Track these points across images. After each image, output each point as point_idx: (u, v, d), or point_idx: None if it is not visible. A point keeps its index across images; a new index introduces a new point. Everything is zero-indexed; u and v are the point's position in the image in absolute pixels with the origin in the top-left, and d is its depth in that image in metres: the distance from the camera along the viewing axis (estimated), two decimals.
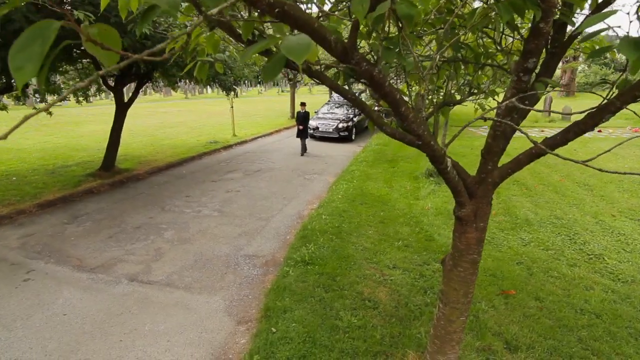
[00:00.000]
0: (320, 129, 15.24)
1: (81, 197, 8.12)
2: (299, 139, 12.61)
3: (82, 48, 9.01)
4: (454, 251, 2.34)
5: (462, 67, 2.94)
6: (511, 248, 5.34)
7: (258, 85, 54.06)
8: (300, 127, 12.27)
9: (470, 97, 3.45)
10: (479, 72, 3.28)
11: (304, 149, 12.56)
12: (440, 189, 8.13)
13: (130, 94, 10.30)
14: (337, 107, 16.70)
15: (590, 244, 5.48)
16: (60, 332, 3.85)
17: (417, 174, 9.24)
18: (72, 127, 18.27)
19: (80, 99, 10.75)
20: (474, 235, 2.22)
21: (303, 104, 12.45)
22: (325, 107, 17.24)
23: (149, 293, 4.53)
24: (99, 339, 3.75)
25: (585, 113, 1.65)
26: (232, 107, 15.87)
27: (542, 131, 16.73)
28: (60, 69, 9.61)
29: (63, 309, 4.23)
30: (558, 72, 38.31)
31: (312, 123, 15.23)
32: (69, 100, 10.84)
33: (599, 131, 17.00)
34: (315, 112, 16.85)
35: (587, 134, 15.96)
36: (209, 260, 5.35)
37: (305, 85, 49.07)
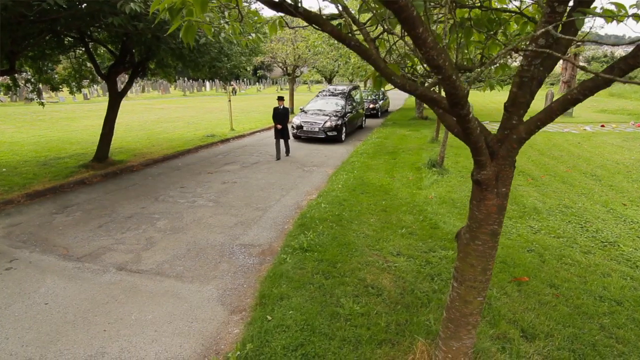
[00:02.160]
0: (304, 128, 13.09)
1: (72, 188, 7.84)
2: (284, 139, 10.68)
3: (75, 35, 8.74)
4: (471, 222, 2.07)
5: (474, 30, 2.68)
6: (520, 236, 5.08)
7: (257, 83, 53.79)
8: (279, 126, 10.33)
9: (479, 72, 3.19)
10: (492, 41, 3.02)
11: (286, 151, 10.75)
12: (444, 179, 7.87)
13: (125, 86, 10.04)
14: (326, 103, 14.36)
15: (603, 232, 5.22)
16: (40, 322, 3.58)
17: (419, 165, 8.97)
18: (67, 122, 17.97)
19: (74, 89, 10.47)
20: (495, 202, 1.95)
21: (281, 99, 10.53)
22: (311, 103, 14.89)
23: (138, 282, 4.26)
24: (81, 329, 3.49)
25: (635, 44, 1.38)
26: (229, 100, 15.60)
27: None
28: (53, 57, 9.31)
29: (45, 298, 3.97)
30: (558, 69, 38.10)
31: (296, 121, 13.31)
32: (61, 90, 10.52)
33: (602, 126, 16.78)
34: (301, 109, 14.75)
35: (589, 129, 15.75)
36: (203, 249, 5.08)
37: (304, 83, 48.82)
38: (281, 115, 10.35)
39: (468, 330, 2.21)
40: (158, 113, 22.34)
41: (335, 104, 14.15)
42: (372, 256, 4.34)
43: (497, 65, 3.58)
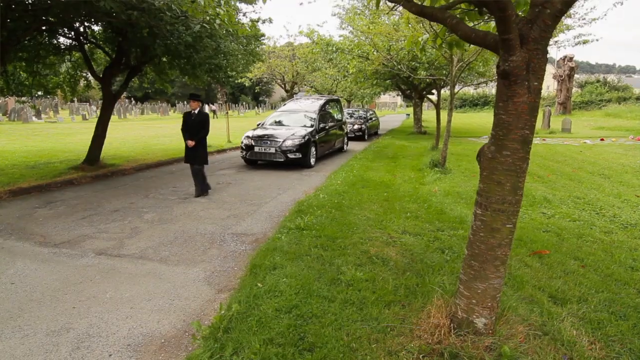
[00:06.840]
0: (256, 149, 9.59)
1: (59, 187, 7.49)
2: (196, 164, 6.59)
3: (71, 35, 8.64)
4: (496, 130, 1.76)
5: None
6: (534, 220, 4.72)
7: (256, 107, 54.44)
8: (190, 142, 6.30)
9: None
10: None
11: (201, 186, 6.65)
12: (447, 177, 7.57)
13: (119, 88, 9.89)
14: (291, 116, 11.21)
15: (622, 217, 4.89)
16: (2, 300, 3.19)
17: (421, 167, 8.72)
18: (62, 136, 17.75)
19: (68, 94, 10.28)
20: (526, 98, 1.64)
21: (195, 98, 6.40)
22: (272, 116, 11.76)
23: (117, 265, 3.87)
24: (47, 306, 3.08)
25: None
26: (227, 112, 15.52)
27: (544, 140, 16.50)
28: (47, 59, 9.17)
29: (12, 278, 3.58)
30: (554, 92, 38.74)
31: (245, 140, 9.90)
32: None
33: (602, 139, 16.73)
34: (258, 124, 11.43)
35: (590, 142, 15.67)
36: (191, 237, 4.71)
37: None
38: (194, 126, 6.36)
39: (496, 267, 1.84)
40: (156, 130, 22.24)
41: (302, 118, 10.95)
42: (375, 233, 3.96)
43: None
